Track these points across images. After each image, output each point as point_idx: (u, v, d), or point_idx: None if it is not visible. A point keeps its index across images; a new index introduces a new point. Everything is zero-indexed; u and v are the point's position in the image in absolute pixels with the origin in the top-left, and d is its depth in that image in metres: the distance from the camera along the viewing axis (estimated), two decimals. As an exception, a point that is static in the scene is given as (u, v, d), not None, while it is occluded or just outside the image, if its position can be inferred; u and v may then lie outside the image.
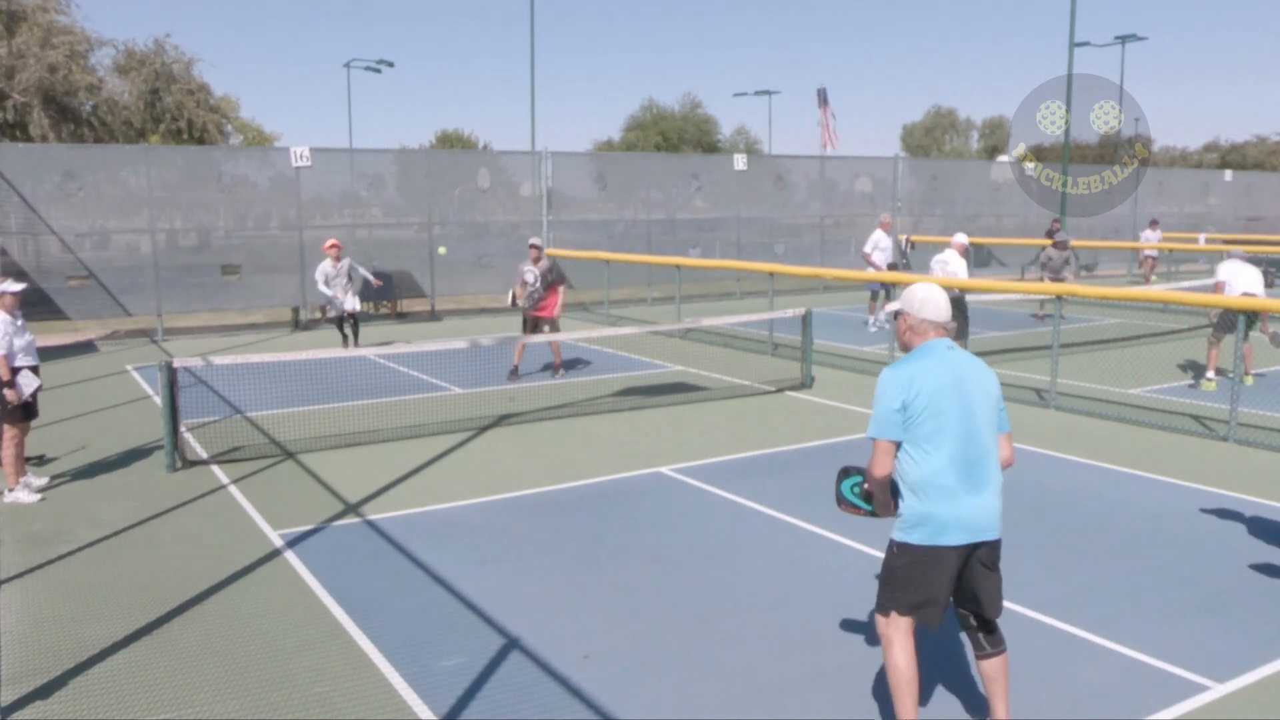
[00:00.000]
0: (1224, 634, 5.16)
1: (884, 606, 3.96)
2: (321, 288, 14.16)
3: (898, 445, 3.83)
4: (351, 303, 14.25)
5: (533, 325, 12.55)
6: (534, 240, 12.69)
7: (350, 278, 14.25)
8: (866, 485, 4.04)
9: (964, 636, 4.32)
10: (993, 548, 3.90)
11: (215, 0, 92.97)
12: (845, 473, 4.21)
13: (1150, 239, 24.23)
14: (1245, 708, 4.43)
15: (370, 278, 14.87)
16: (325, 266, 14.07)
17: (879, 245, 17.12)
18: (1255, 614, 5.40)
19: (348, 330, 14.39)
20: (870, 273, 16.40)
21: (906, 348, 4.01)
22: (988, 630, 4.02)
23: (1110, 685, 4.62)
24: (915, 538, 3.83)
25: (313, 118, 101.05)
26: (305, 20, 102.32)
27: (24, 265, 16.33)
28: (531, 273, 12.39)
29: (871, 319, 17.16)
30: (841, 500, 4.22)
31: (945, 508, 3.78)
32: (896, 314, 4.08)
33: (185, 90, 35.51)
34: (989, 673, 4.04)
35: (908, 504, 3.86)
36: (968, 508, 3.79)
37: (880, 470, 3.84)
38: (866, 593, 5.73)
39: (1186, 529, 6.81)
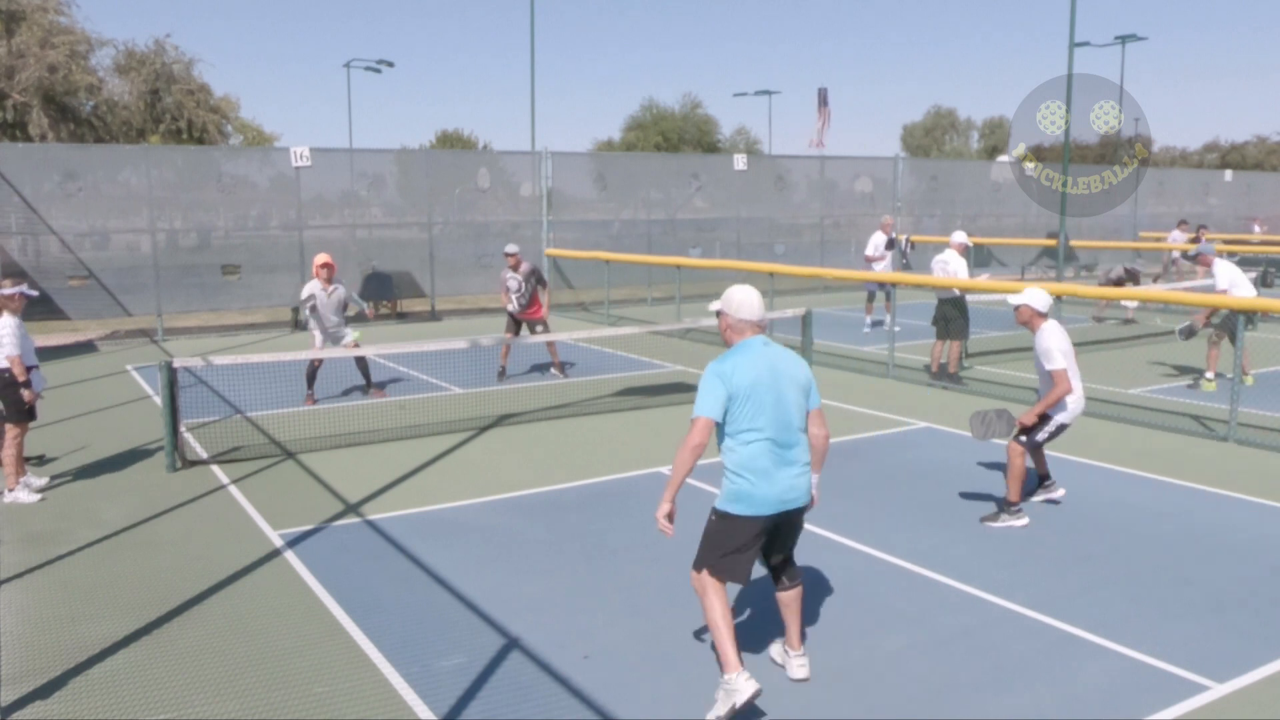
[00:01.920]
0: (1224, 634, 5.16)
1: (699, 564, 4.46)
2: (307, 311, 11.06)
3: (717, 426, 4.31)
4: (345, 337, 11.05)
5: (524, 327, 12.55)
6: (510, 248, 12.53)
7: (345, 307, 11.21)
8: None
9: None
10: (798, 513, 4.47)
11: (215, 0, 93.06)
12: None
13: (1178, 239, 23.72)
14: (1245, 708, 4.43)
15: (363, 306, 11.79)
16: (314, 288, 10.96)
17: (878, 247, 17.14)
18: (1255, 614, 5.40)
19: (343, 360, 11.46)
20: (870, 272, 16.40)
21: (728, 344, 4.48)
22: (786, 566, 4.66)
23: (1110, 685, 4.62)
24: (736, 509, 4.33)
25: (313, 118, 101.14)
26: (305, 20, 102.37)
27: (24, 265, 16.32)
28: (514, 279, 12.40)
29: (869, 319, 17.18)
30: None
31: (762, 486, 4.28)
32: (718, 313, 4.52)
33: (185, 90, 35.48)
34: (786, 601, 4.67)
35: (730, 481, 4.34)
36: (780, 484, 4.31)
37: (696, 439, 4.23)
38: (867, 593, 5.73)
39: (1186, 529, 6.81)
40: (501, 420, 10.32)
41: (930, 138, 74.65)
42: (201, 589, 5.83)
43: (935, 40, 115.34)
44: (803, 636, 4.76)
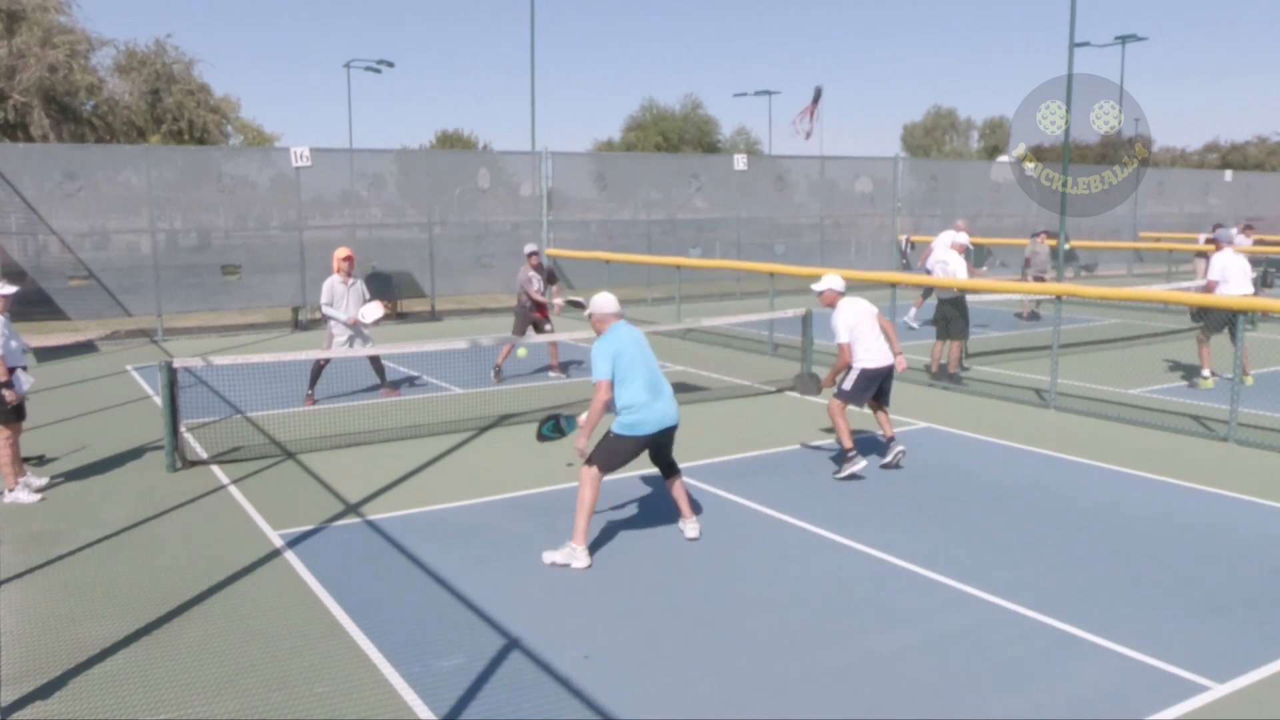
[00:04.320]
0: (1224, 634, 5.16)
1: (592, 462, 6.24)
2: (326, 308, 11.09)
3: (611, 384, 6.21)
4: (363, 337, 11.26)
5: (535, 326, 12.61)
6: (531, 247, 12.82)
7: (364, 301, 11.33)
8: (576, 417, 6.73)
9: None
10: (673, 429, 6.45)
11: (215, 0, 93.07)
12: (545, 420, 6.93)
13: (1242, 243, 20.87)
14: (1245, 708, 4.43)
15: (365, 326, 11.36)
16: (334, 283, 11.10)
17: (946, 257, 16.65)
18: (1255, 614, 5.40)
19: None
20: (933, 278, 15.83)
21: (600, 331, 6.39)
22: (671, 468, 6.64)
23: (1110, 685, 4.62)
24: (634, 431, 6.26)
25: (313, 118, 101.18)
26: (305, 20, 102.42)
27: (24, 265, 16.33)
28: (536, 279, 12.58)
29: (914, 313, 17.10)
30: (541, 437, 6.90)
31: (647, 413, 6.25)
32: (589, 315, 6.49)
33: (186, 90, 35.45)
34: (675, 487, 6.66)
35: (625, 415, 6.24)
36: (658, 410, 6.30)
37: (603, 397, 6.19)
38: (867, 593, 5.73)
39: (1186, 529, 6.81)
40: (501, 420, 10.32)
41: (930, 138, 74.65)
42: (201, 589, 5.83)
43: (935, 40, 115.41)
44: (693, 508, 6.76)
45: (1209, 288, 11.25)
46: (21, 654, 5.01)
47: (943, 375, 12.11)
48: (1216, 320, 11.19)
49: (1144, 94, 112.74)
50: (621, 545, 6.58)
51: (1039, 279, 17.59)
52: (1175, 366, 13.09)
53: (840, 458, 8.15)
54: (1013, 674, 4.74)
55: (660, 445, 6.47)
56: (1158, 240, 26.83)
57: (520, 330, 12.58)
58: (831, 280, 8.36)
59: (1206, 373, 11.64)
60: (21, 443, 7.88)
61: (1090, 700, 4.48)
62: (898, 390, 12.00)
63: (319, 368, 11.18)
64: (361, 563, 6.25)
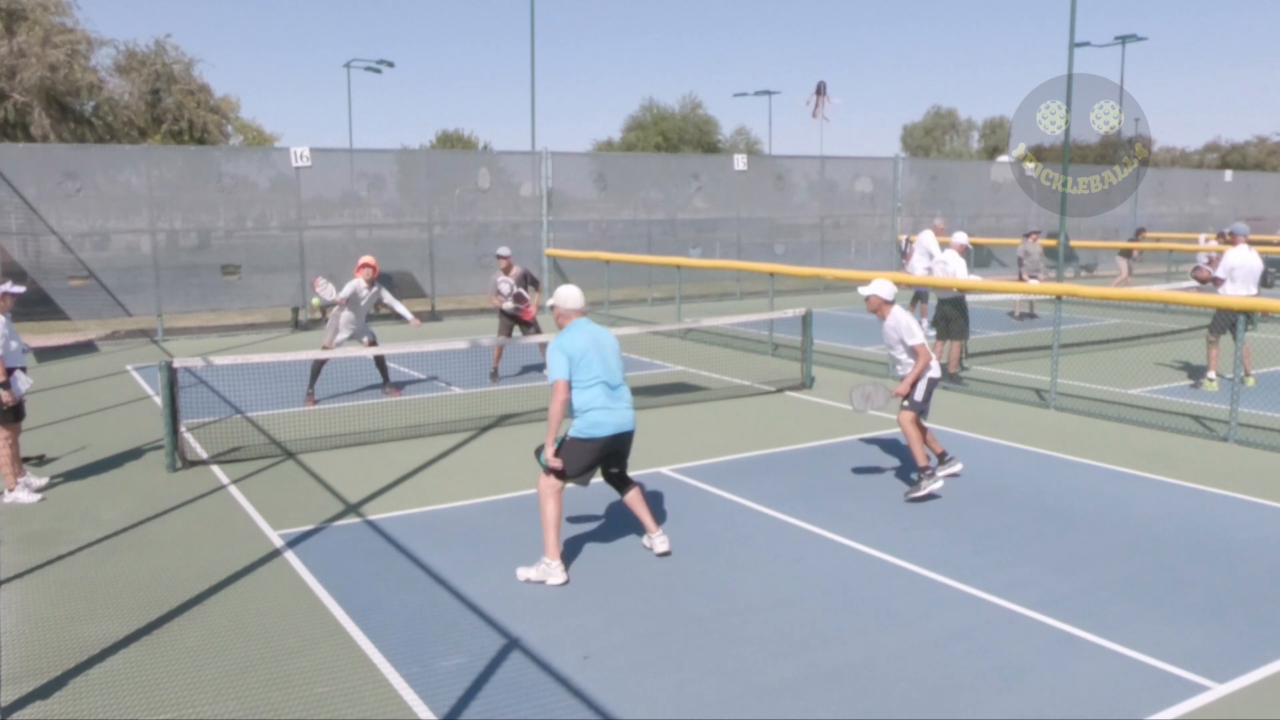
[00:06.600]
0: (1224, 634, 5.16)
1: (550, 473, 5.97)
2: (331, 295, 11.07)
3: (569, 384, 5.93)
4: (369, 335, 11.29)
5: (515, 328, 12.47)
6: (501, 251, 12.54)
7: (373, 307, 11.35)
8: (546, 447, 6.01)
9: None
10: (629, 435, 6.17)
11: (215, 0, 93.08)
12: (539, 450, 6.16)
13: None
14: (1245, 708, 4.43)
15: (406, 314, 11.42)
16: (358, 285, 11.02)
17: (932, 252, 16.63)
18: (1255, 614, 5.40)
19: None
20: (915, 276, 15.83)
21: (561, 326, 6.14)
22: (623, 479, 6.35)
23: (1110, 685, 4.62)
24: (592, 434, 5.98)
25: (313, 118, 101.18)
26: (305, 20, 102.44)
27: (24, 265, 16.32)
28: (506, 283, 12.31)
29: (923, 321, 17.05)
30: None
31: (604, 415, 5.98)
32: (552, 307, 6.18)
33: (186, 91, 35.45)
34: (631, 501, 6.36)
35: (582, 417, 5.97)
36: (614, 414, 6.03)
37: (561, 397, 5.90)
38: (867, 593, 5.73)
39: (1186, 529, 6.81)
40: (501, 420, 10.32)
41: (930, 138, 74.63)
42: (201, 589, 5.83)
43: (935, 40, 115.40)
44: (657, 521, 6.43)
45: (1216, 283, 11.24)
46: (21, 654, 5.01)
47: (943, 375, 12.10)
48: (1224, 320, 11.17)
49: (1144, 94, 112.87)
50: (621, 545, 6.58)
51: (1032, 278, 17.60)
52: (1177, 366, 13.09)
53: (918, 475, 7.54)
54: (1013, 674, 4.74)
55: (615, 454, 6.16)
56: (1158, 240, 26.82)
57: (505, 331, 12.42)
58: (879, 286, 7.64)
59: (1213, 374, 11.63)
60: (21, 443, 7.89)
61: (1090, 700, 4.48)
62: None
63: (319, 366, 11.17)
64: (361, 563, 6.25)
